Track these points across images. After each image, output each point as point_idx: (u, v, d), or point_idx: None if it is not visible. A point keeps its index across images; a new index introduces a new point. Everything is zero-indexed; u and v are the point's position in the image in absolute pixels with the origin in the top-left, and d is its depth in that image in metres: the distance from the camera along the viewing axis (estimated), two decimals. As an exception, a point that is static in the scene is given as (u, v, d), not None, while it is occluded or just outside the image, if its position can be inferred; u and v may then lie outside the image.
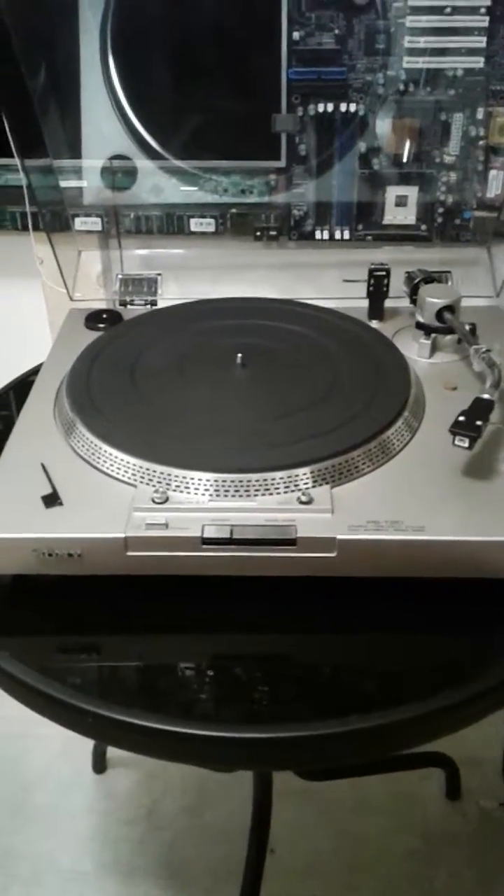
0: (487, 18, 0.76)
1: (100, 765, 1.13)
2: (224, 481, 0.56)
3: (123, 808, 1.09)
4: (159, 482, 0.57)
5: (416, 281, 0.76)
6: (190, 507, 0.55)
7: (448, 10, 0.76)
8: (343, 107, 0.82)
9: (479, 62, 0.79)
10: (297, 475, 0.57)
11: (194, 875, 1.01)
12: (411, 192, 0.86)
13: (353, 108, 0.82)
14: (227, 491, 0.56)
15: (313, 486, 0.57)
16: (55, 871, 1.01)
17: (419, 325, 0.73)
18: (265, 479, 0.56)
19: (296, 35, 0.79)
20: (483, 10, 0.76)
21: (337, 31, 0.79)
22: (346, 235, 0.89)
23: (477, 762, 1.09)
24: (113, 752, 1.13)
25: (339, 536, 0.53)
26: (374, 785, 1.09)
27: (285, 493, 0.56)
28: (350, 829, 1.05)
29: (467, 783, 1.09)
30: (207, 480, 0.56)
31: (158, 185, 0.87)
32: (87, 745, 1.12)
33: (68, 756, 1.14)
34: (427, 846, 1.03)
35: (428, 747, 1.05)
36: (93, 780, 1.12)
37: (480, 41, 0.78)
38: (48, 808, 1.08)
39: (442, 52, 0.78)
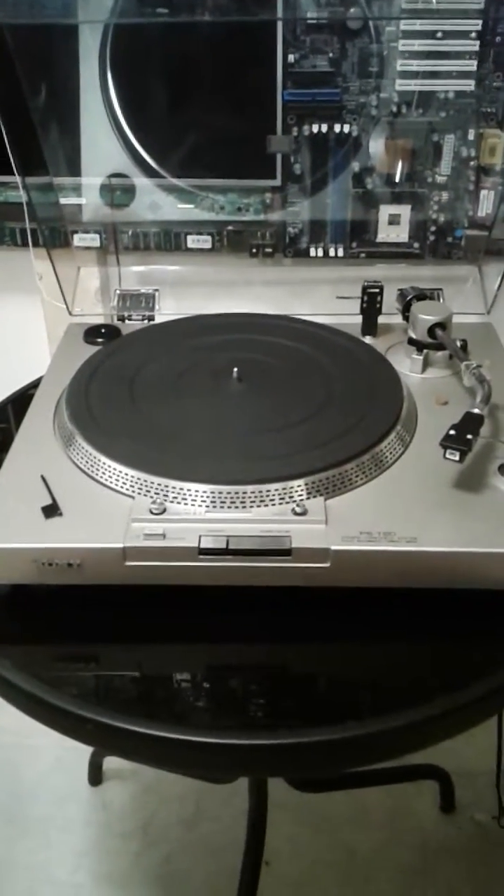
0: (478, 42, 0.79)
1: (96, 777, 1.13)
2: (220, 493, 0.57)
3: (119, 820, 1.09)
4: (157, 493, 0.58)
5: (409, 298, 0.77)
6: (187, 518, 0.57)
7: (439, 34, 0.78)
8: (337, 127, 0.83)
9: (469, 85, 0.81)
10: (291, 487, 0.58)
11: (190, 888, 1.01)
12: (404, 211, 0.88)
13: (346, 128, 0.83)
14: (223, 502, 0.57)
15: (308, 498, 0.58)
16: (50, 882, 1.02)
17: (411, 341, 0.74)
18: (260, 491, 0.57)
19: (291, 57, 0.81)
20: (473, 35, 0.78)
21: (331, 54, 0.81)
22: (340, 253, 0.90)
23: (471, 775, 1.10)
24: (109, 764, 1.13)
25: (333, 547, 0.54)
26: (369, 798, 1.09)
27: (280, 504, 0.57)
28: (345, 842, 1.05)
29: (461, 796, 1.09)
30: (204, 492, 0.57)
31: (156, 202, 0.89)
32: (82, 756, 1.12)
33: (63, 768, 1.14)
34: (422, 859, 1.04)
35: (422, 759, 1.06)
36: (88, 792, 1.12)
37: (471, 65, 0.80)
38: (44, 820, 1.08)
39: (433, 74, 0.80)
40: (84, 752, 1.11)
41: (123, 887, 1.01)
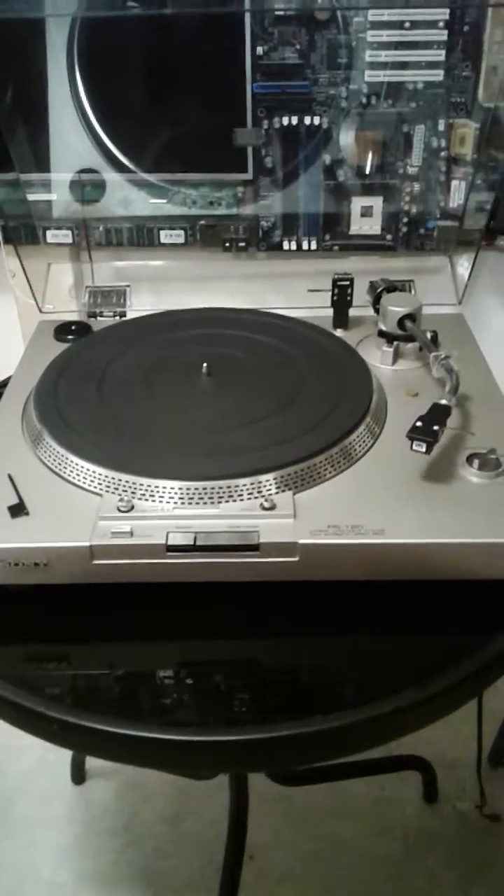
0: (446, 32, 0.78)
1: (79, 776, 1.13)
2: (188, 489, 0.57)
3: (103, 818, 1.09)
4: (125, 491, 0.58)
5: (379, 290, 0.77)
6: (155, 515, 0.56)
7: (407, 24, 0.78)
8: (307, 120, 0.83)
9: (438, 75, 0.80)
10: (260, 482, 0.58)
11: (174, 885, 1.01)
12: (376, 203, 0.87)
13: (316, 121, 0.83)
14: (191, 498, 0.57)
15: (276, 493, 0.58)
16: (35, 881, 1.01)
17: (381, 334, 0.74)
18: (229, 486, 0.57)
19: (259, 50, 0.80)
20: (441, 25, 0.78)
21: (299, 46, 0.80)
22: (314, 246, 0.90)
23: (453, 765, 1.10)
24: (92, 762, 1.13)
25: (301, 541, 0.54)
26: (352, 789, 1.09)
27: (249, 499, 0.57)
28: (329, 833, 1.05)
29: (444, 786, 1.09)
30: (172, 488, 0.57)
31: (128, 197, 0.88)
32: (65, 755, 1.12)
33: (47, 766, 1.14)
34: (406, 849, 1.04)
35: (404, 750, 1.07)
36: (72, 790, 1.12)
37: (439, 54, 0.79)
38: (28, 819, 1.08)
39: (402, 65, 0.80)
40: (67, 751, 1.11)
41: (107, 885, 1.01)
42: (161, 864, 1.03)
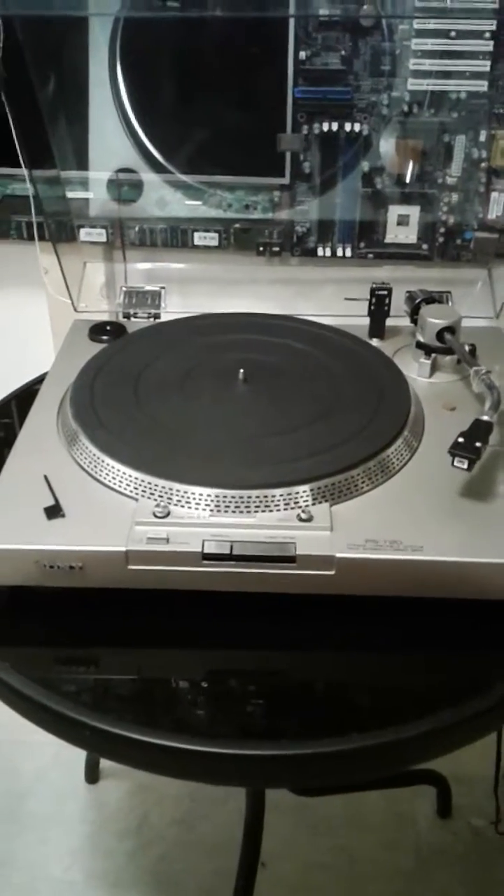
0: (492, 43, 0.78)
1: (92, 775, 1.12)
2: (225, 497, 0.57)
3: (115, 819, 1.08)
4: (161, 496, 0.57)
5: (417, 301, 0.76)
6: (191, 522, 0.56)
7: (453, 33, 0.77)
8: (347, 126, 0.83)
9: (482, 86, 0.80)
10: (297, 492, 0.57)
11: (185, 889, 1.00)
12: (413, 212, 0.87)
13: (357, 127, 0.83)
14: (227, 507, 0.57)
15: (313, 504, 0.57)
16: (47, 879, 1.01)
17: (419, 345, 0.73)
18: (265, 496, 0.57)
19: (302, 54, 0.80)
20: (487, 35, 0.77)
21: (343, 52, 0.80)
22: (348, 253, 0.89)
23: (468, 781, 1.09)
24: (106, 762, 1.13)
25: (338, 555, 0.54)
26: (367, 801, 1.08)
27: (285, 510, 0.57)
28: (342, 845, 1.05)
29: (458, 801, 1.08)
30: (208, 496, 0.57)
31: (164, 198, 0.88)
32: (79, 753, 1.11)
33: (61, 764, 1.13)
34: (418, 863, 1.03)
35: (419, 765, 1.06)
36: (85, 789, 1.12)
37: (484, 65, 0.79)
38: (41, 817, 1.08)
39: (446, 74, 0.79)
40: (81, 749, 1.11)
41: (116, 886, 1.01)
42: (172, 867, 1.02)
